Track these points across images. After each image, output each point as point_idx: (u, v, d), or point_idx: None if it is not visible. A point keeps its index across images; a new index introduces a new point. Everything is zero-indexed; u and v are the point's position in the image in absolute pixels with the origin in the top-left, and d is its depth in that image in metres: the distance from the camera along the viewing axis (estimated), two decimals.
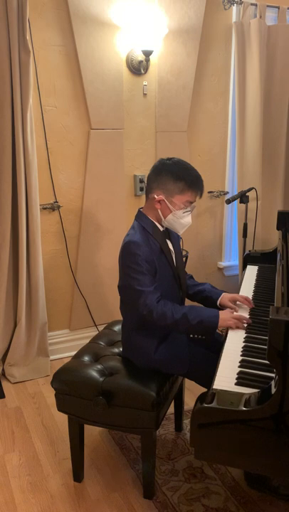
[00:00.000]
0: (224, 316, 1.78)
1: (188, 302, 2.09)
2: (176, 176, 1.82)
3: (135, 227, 1.88)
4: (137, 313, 1.81)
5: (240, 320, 1.77)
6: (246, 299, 1.97)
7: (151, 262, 1.81)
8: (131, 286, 1.79)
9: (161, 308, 1.76)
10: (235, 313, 1.85)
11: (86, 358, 2.01)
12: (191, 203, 1.87)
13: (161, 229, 1.92)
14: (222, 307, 1.98)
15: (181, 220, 1.88)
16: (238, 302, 1.98)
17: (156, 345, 1.89)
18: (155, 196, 1.85)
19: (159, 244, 1.88)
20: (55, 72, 2.76)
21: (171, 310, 1.77)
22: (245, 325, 1.78)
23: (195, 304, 2.08)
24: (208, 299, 2.04)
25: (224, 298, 1.99)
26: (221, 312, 1.80)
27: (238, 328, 1.75)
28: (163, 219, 1.88)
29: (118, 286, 1.95)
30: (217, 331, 1.83)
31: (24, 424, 2.43)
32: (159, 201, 1.85)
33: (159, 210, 1.87)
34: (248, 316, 1.84)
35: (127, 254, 1.80)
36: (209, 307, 2.02)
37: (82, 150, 2.95)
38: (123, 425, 1.85)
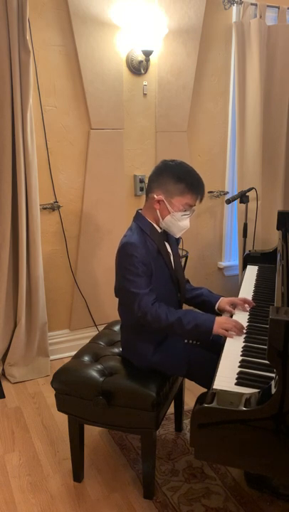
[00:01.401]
0: (220, 320, 1.75)
1: (185, 307, 2.07)
2: (177, 177, 1.82)
3: (133, 228, 1.87)
4: (133, 315, 1.80)
5: (236, 327, 1.72)
6: (245, 300, 1.95)
7: (147, 264, 1.80)
8: (126, 288, 1.78)
9: (155, 310, 1.75)
10: (232, 318, 1.80)
11: (86, 358, 2.01)
12: (191, 206, 1.86)
13: (159, 230, 1.91)
14: (220, 311, 1.97)
15: (178, 222, 1.86)
16: (238, 306, 1.96)
17: (154, 347, 1.89)
18: (155, 196, 1.84)
19: (157, 245, 1.87)
20: (55, 72, 2.76)
21: (165, 313, 1.75)
22: (244, 333, 1.73)
23: (191, 308, 2.07)
24: (206, 303, 2.02)
25: (222, 302, 1.97)
26: (217, 318, 1.77)
27: (231, 336, 1.70)
28: (161, 220, 1.87)
29: (114, 288, 1.94)
30: None
31: (24, 424, 2.43)
32: (158, 201, 1.84)
33: (157, 211, 1.86)
34: (248, 317, 1.84)
35: (124, 255, 1.79)
36: (207, 311, 2.00)
37: (82, 150, 2.95)
38: (123, 425, 1.85)
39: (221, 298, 2.00)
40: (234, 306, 1.96)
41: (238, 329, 1.72)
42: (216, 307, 1.98)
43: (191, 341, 1.93)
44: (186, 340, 1.92)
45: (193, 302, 2.08)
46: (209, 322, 1.74)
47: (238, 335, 1.71)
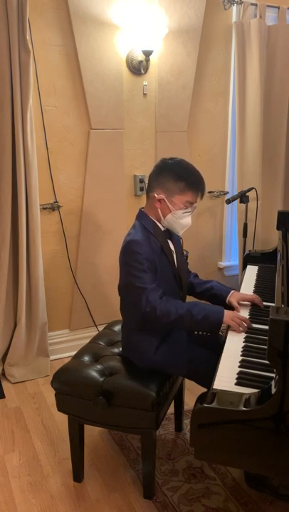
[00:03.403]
0: (229, 313, 1.77)
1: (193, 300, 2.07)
2: (177, 175, 1.82)
3: (136, 226, 1.88)
4: (139, 312, 1.80)
5: (243, 321, 1.75)
6: (257, 297, 1.94)
7: (152, 261, 1.81)
8: (133, 284, 1.78)
9: (164, 304, 1.76)
10: (240, 313, 1.83)
11: (86, 358, 2.01)
12: (192, 203, 1.87)
13: (162, 228, 1.91)
14: (230, 305, 1.96)
15: (180, 220, 1.87)
16: (245, 302, 1.95)
17: (156, 346, 1.88)
18: (155, 195, 1.85)
19: (160, 243, 1.88)
20: (55, 72, 2.76)
21: (174, 306, 1.76)
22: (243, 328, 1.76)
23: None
24: (218, 296, 2.00)
25: (232, 297, 1.95)
26: (226, 310, 1.78)
27: (239, 330, 1.73)
28: (162, 218, 1.88)
29: (118, 287, 1.95)
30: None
31: (24, 424, 2.43)
32: (159, 200, 1.85)
33: (158, 210, 1.87)
34: (248, 317, 1.84)
35: (129, 252, 1.79)
36: (218, 305, 2.00)
37: (82, 150, 2.95)
38: (123, 425, 1.85)
39: (232, 292, 1.98)
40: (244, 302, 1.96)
41: (247, 325, 1.74)
42: (227, 300, 1.96)
43: (201, 333, 1.93)
44: (195, 332, 1.92)
45: (204, 296, 2.07)
46: (219, 313, 1.76)
47: (244, 330, 1.73)
